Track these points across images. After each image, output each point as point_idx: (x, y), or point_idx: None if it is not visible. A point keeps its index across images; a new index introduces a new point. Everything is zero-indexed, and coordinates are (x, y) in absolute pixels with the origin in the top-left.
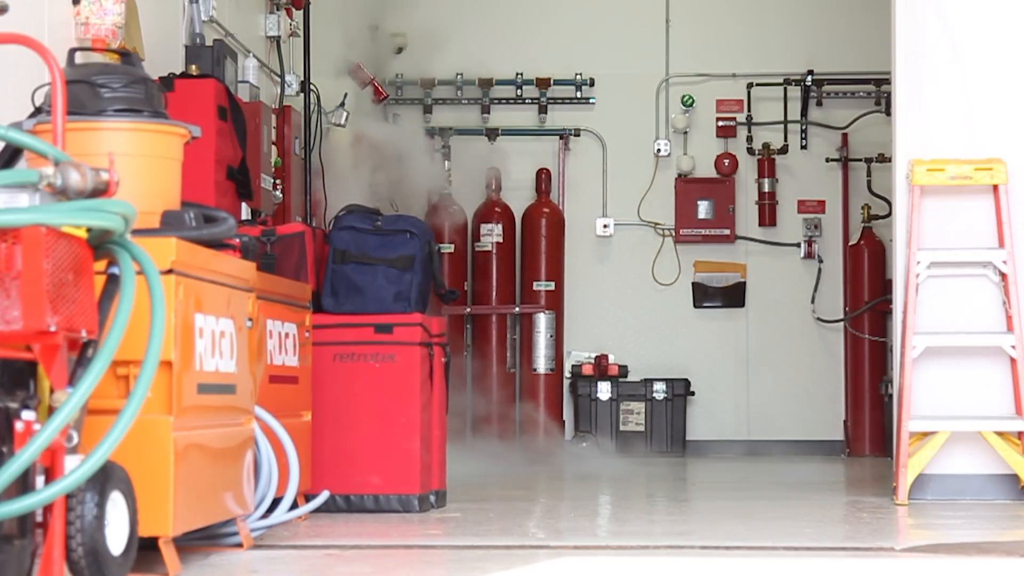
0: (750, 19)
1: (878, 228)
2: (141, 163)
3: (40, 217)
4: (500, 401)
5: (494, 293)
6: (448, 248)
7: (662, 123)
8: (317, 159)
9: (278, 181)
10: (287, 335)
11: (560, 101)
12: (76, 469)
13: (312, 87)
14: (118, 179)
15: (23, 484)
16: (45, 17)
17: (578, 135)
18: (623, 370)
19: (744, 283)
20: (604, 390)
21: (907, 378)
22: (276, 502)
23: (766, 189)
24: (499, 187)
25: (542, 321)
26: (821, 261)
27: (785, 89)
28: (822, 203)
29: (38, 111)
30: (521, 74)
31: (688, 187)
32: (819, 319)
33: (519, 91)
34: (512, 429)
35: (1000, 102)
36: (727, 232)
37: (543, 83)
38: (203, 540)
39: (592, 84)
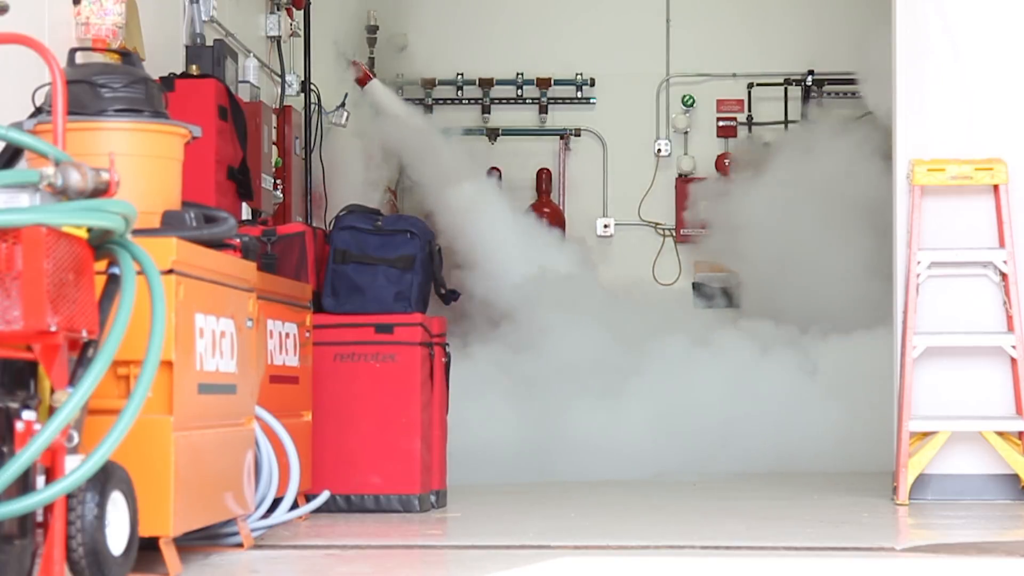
0: (751, 19)
1: None
2: (141, 163)
3: (41, 217)
4: None
5: None
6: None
7: (662, 123)
8: (318, 159)
9: (278, 181)
10: (288, 335)
11: (560, 101)
12: (76, 469)
13: (312, 87)
14: (118, 179)
15: (23, 484)
16: (45, 17)
17: (578, 135)
18: None
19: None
20: None
21: (907, 378)
22: (276, 502)
23: None
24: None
25: None
26: None
27: (786, 89)
28: None
29: (39, 111)
30: (521, 74)
31: (689, 187)
32: None
33: (519, 91)
34: None
35: (1000, 102)
36: None
37: (543, 83)
38: (203, 540)
39: (592, 84)
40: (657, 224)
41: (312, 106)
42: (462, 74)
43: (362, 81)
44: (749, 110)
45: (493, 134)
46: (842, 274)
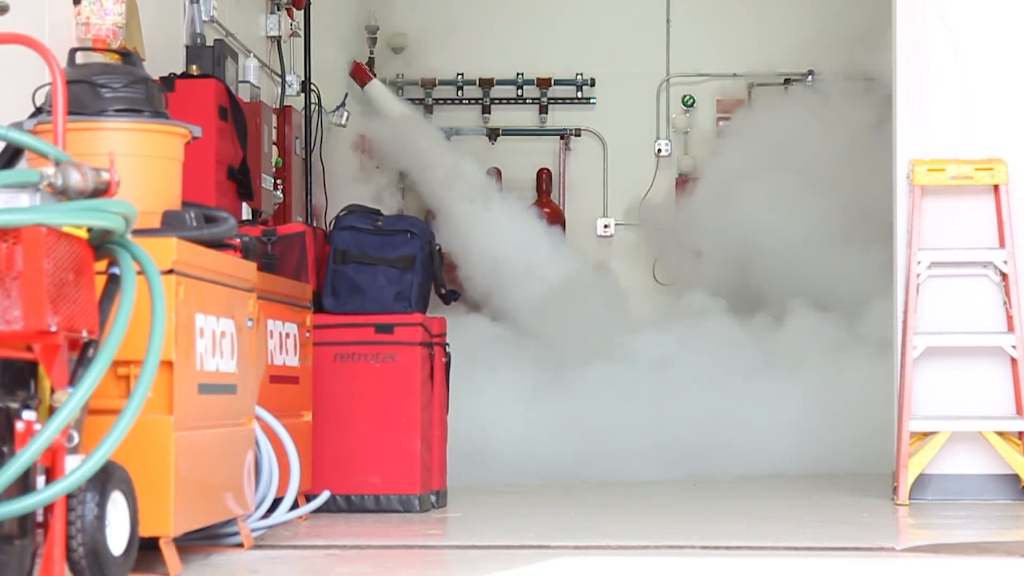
0: (751, 19)
1: None
2: (142, 163)
3: (41, 217)
4: None
5: None
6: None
7: (663, 123)
8: (318, 159)
9: (279, 181)
10: (288, 335)
11: (561, 101)
12: (77, 469)
13: (313, 87)
14: (119, 179)
15: (24, 484)
16: (46, 17)
17: (579, 135)
18: None
19: None
20: None
21: (907, 378)
22: (277, 502)
23: None
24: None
25: None
26: None
27: (786, 89)
28: None
29: (39, 111)
30: (522, 74)
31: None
32: None
33: (520, 91)
34: None
35: (1000, 102)
36: None
37: (544, 83)
38: (204, 540)
39: (593, 84)
40: (657, 224)
41: (312, 106)
42: (462, 74)
43: (362, 81)
44: None
45: (493, 134)
46: (845, 272)
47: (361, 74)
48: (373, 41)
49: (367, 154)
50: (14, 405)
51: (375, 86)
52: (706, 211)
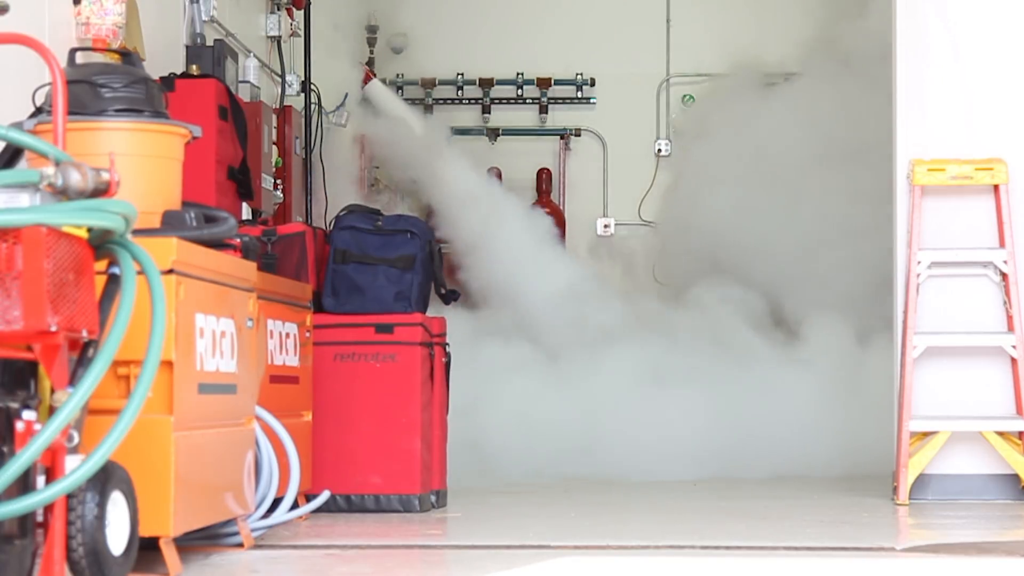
0: (750, 18)
1: None
2: (142, 163)
3: (41, 217)
4: None
5: None
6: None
7: (663, 123)
8: (318, 159)
9: (279, 181)
10: (288, 335)
11: (561, 101)
12: (77, 469)
13: (313, 87)
14: (119, 179)
15: (24, 484)
16: (46, 17)
17: (579, 135)
18: None
19: None
20: None
21: (907, 378)
22: (277, 502)
23: None
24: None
25: None
26: None
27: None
28: None
29: (39, 111)
30: (522, 74)
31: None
32: None
33: (520, 91)
34: None
35: (1001, 102)
36: None
37: (544, 83)
38: (204, 540)
39: (593, 84)
40: (657, 224)
41: (312, 106)
42: (462, 74)
43: (362, 82)
44: None
45: (493, 134)
46: (843, 268)
47: (363, 75)
48: (373, 41)
49: (366, 162)
50: (14, 405)
51: (375, 86)
52: (702, 209)
